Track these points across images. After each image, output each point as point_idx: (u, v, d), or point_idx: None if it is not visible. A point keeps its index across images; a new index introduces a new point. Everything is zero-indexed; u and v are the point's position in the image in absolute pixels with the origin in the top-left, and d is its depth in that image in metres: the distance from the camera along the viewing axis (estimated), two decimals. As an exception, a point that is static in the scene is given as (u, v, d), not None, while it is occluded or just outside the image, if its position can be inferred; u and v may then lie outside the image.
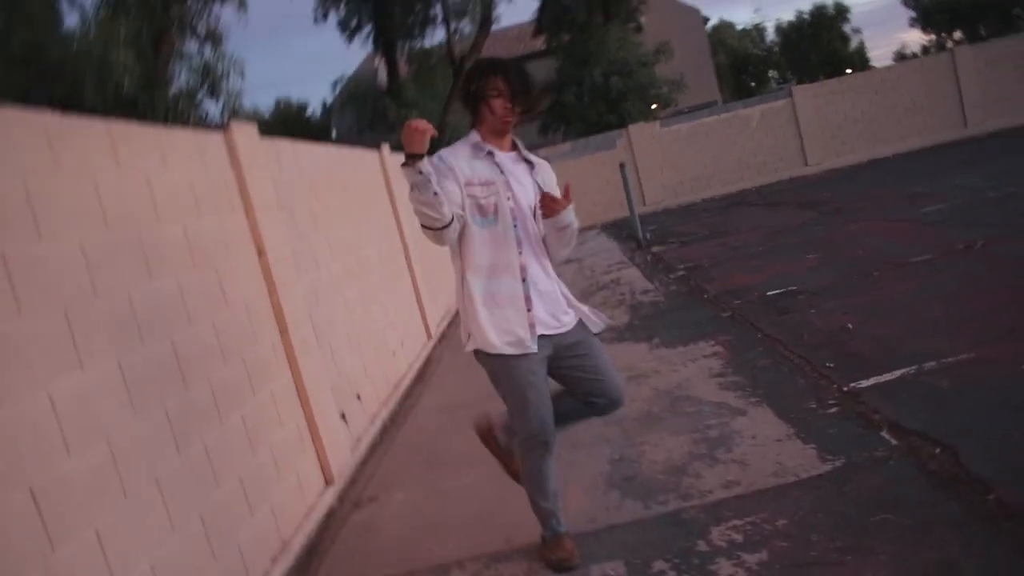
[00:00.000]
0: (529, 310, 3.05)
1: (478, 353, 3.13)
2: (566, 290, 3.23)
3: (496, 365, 3.09)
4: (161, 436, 3.06)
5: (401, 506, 4.30)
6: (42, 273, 2.61)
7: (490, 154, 3.08)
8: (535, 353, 3.06)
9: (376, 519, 4.20)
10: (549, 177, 3.23)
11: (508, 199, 3.05)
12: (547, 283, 3.14)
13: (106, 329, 2.87)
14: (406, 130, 2.78)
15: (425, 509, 4.16)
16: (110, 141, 3.23)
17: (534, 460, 3.22)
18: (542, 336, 3.08)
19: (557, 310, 3.13)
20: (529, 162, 3.18)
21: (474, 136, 3.13)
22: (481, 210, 3.04)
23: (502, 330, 3.06)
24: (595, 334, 3.24)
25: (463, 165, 3.05)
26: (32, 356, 2.46)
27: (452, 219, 2.92)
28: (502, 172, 3.07)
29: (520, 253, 3.07)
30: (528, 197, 3.11)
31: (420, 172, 2.78)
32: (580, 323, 3.20)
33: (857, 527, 2.97)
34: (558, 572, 3.17)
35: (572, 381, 3.22)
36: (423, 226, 2.95)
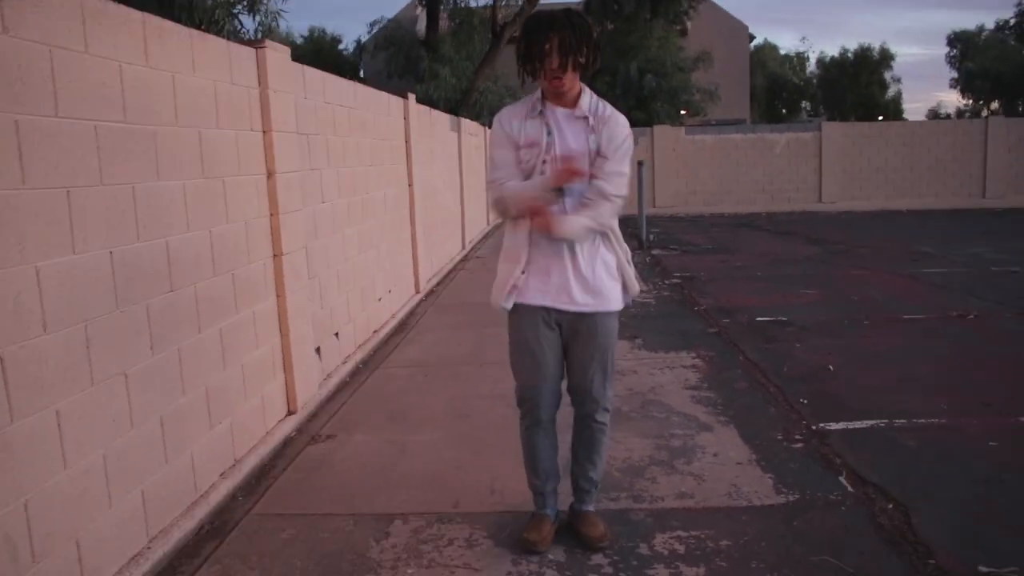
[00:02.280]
0: (522, 272, 3.00)
1: None
2: (599, 268, 3.02)
3: (507, 315, 3.10)
4: (138, 332, 3.05)
5: (357, 449, 4.32)
6: (52, 149, 2.59)
7: (541, 113, 2.95)
8: (534, 315, 3.00)
9: (330, 456, 4.21)
10: (614, 133, 2.95)
11: (544, 162, 2.92)
12: (559, 256, 2.96)
13: (105, 217, 2.86)
14: (567, 168, 2.82)
15: (380, 457, 4.18)
16: (143, 33, 3.20)
17: (523, 428, 3.21)
18: (545, 308, 2.99)
19: (566, 287, 2.97)
20: (587, 119, 2.95)
21: (536, 92, 3.01)
22: (523, 172, 2.97)
23: (498, 283, 3.08)
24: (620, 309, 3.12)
25: (515, 126, 2.97)
26: (27, 229, 2.45)
27: (532, 171, 2.94)
28: (549, 132, 2.94)
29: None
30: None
31: (557, 204, 2.88)
32: (600, 313, 3.03)
33: (797, 563, 2.99)
34: (524, 551, 3.13)
35: (565, 362, 3.15)
36: (500, 204, 3.02)
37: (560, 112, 2.96)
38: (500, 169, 3.00)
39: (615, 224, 3.09)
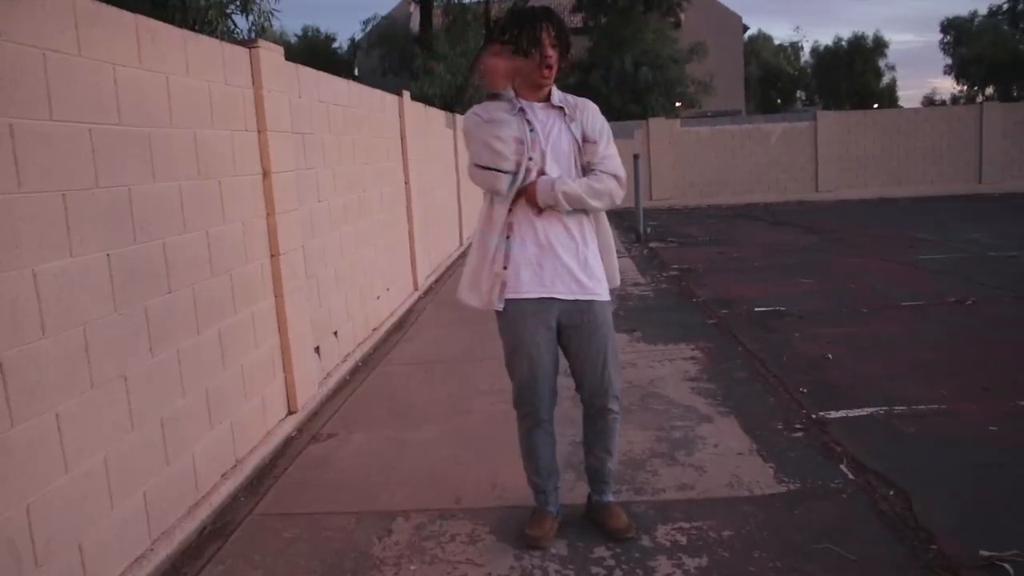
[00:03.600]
0: (505, 267, 2.98)
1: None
2: (591, 257, 3.04)
3: (498, 317, 3.07)
4: (137, 334, 3.06)
5: (358, 447, 4.32)
6: (47, 152, 2.59)
7: (521, 110, 2.94)
8: (529, 312, 2.98)
9: (331, 455, 4.22)
10: (591, 118, 3.03)
11: (529, 159, 2.91)
12: (549, 245, 2.96)
13: (101, 219, 2.86)
14: (487, 69, 2.84)
15: (381, 455, 4.18)
16: (136, 35, 3.19)
17: (522, 429, 3.20)
18: (542, 299, 2.97)
19: (561, 274, 2.97)
20: (563, 109, 3.01)
21: (508, 92, 2.99)
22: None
23: (473, 281, 3.07)
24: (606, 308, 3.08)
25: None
26: (24, 233, 2.45)
27: (518, 168, 2.89)
28: (532, 129, 2.94)
29: (510, 211, 2.97)
30: (562, 148, 2.97)
31: (512, 105, 2.87)
32: (597, 303, 3.04)
33: (800, 552, 3.00)
34: (527, 547, 3.12)
35: (567, 359, 3.14)
36: (487, 168, 2.88)
37: (537, 106, 2.98)
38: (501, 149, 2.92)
39: (603, 214, 3.12)
